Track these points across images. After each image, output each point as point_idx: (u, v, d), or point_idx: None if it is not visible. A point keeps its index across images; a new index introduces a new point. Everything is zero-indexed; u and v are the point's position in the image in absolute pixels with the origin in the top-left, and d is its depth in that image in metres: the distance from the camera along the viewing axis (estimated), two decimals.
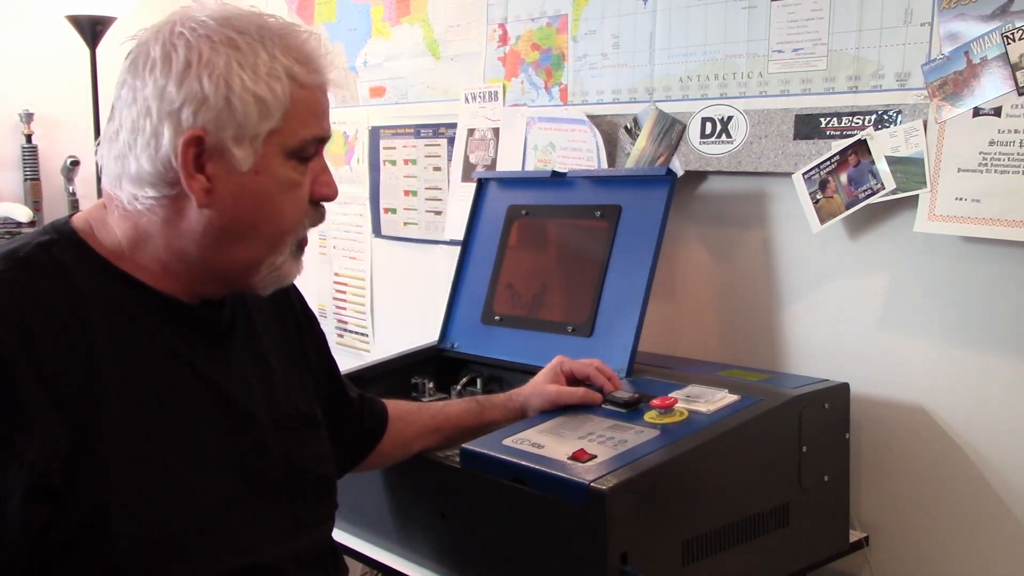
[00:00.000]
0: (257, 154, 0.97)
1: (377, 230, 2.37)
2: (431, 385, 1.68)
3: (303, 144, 1.00)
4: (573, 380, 1.40)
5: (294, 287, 1.26)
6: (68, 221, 1.03)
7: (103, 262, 0.99)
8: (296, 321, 1.23)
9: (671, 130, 1.67)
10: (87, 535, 0.90)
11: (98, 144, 1.02)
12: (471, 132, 2.05)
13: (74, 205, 2.83)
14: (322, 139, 1.04)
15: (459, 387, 1.67)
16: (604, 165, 1.76)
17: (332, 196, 1.06)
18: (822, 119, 1.48)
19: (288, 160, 1.00)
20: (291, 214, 1.02)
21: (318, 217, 1.07)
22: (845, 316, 1.51)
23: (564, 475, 1.12)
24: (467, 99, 2.05)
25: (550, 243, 1.71)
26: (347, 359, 2.19)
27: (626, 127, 1.74)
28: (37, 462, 0.87)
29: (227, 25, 0.96)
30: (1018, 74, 1.25)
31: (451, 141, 2.11)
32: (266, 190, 0.99)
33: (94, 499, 0.90)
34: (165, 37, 0.96)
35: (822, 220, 1.47)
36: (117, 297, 0.98)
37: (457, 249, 1.81)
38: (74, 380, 0.91)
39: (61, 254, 0.98)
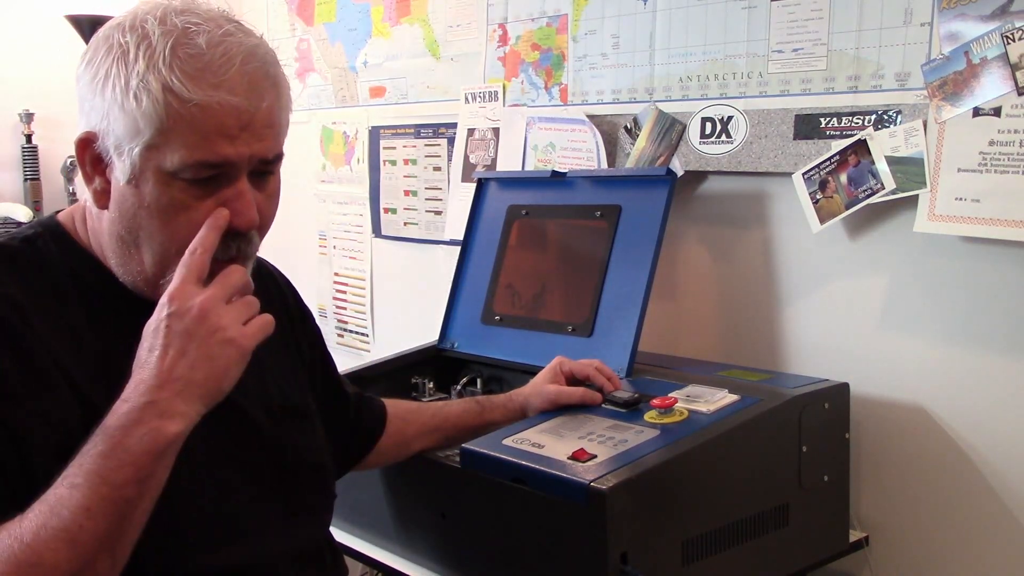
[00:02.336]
0: (134, 168, 0.92)
1: (377, 230, 2.36)
2: (431, 385, 1.68)
3: (183, 167, 0.91)
4: (573, 380, 1.40)
5: (287, 282, 1.26)
6: (54, 216, 1.05)
7: (84, 255, 1.02)
8: (288, 315, 1.23)
9: (671, 130, 1.67)
10: None
11: None
12: (471, 132, 2.05)
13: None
14: (213, 164, 0.92)
15: (459, 387, 1.67)
16: (604, 165, 1.76)
17: (241, 226, 0.95)
18: (822, 119, 1.48)
19: (174, 180, 0.92)
20: (174, 236, 0.94)
21: (227, 249, 0.96)
22: (845, 316, 1.51)
23: (564, 475, 1.12)
24: (467, 99, 2.05)
25: (550, 243, 1.71)
26: (347, 359, 2.19)
27: (626, 127, 1.74)
28: (62, 420, 0.90)
29: (139, 27, 0.92)
30: (1018, 74, 1.25)
31: (451, 141, 2.11)
32: (142, 205, 0.94)
33: None
34: (104, 32, 0.95)
35: (822, 220, 1.47)
36: (96, 289, 1.00)
37: (457, 249, 1.81)
38: (69, 362, 0.93)
39: (44, 247, 1.00)
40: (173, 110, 0.89)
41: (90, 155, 0.95)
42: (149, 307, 1.01)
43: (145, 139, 0.91)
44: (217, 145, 0.91)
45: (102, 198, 0.96)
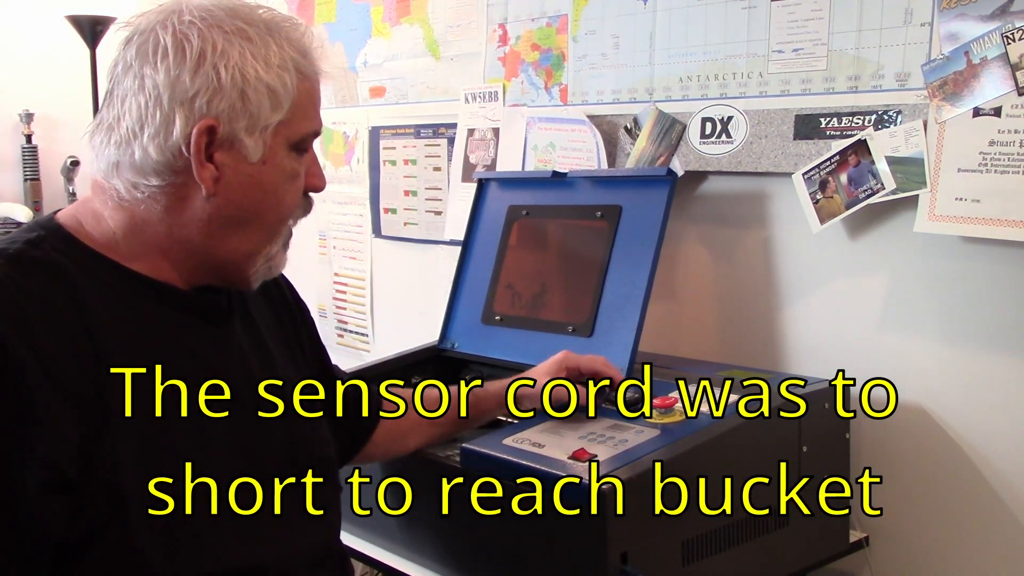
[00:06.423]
0: (266, 145, 1.00)
1: (377, 230, 2.37)
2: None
3: (303, 137, 1.03)
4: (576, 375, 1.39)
5: (283, 276, 1.26)
6: (53, 218, 1.03)
7: (95, 255, 1.00)
8: (288, 309, 1.24)
9: (671, 130, 1.67)
10: (107, 524, 0.91)
11: (89, 132, 1.02)
12: (471, 132, 2.05)
13: None
14: (318, 132, 1.08)
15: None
16: (604, 165, 1.76)
17: (322, 187, 1.10)
18: (822, 119, 1.48)
19: (290, 152, 1.03)
20: (290, 204, 1.06)
21: (307, 207, 1.10)
22: (845, 316, 1.51)
23: (564, 475, 1.12)
24: (467, 99, 2.05)
25: (550, 243, 1.71)
26: (347, 359, 2.19)
27: (626, 127, 1.74)
28: (48, 455, 0.88)
29: (235, 16, 0.98)
30: (1018, 74, 1.25)
31: (451, 141, 2.11)
32: (272, 180, 1.02)
33: (110, 483, 0.91)
34: (175, 25, 0.96)
35: (822, 220, 1.47)
36: (113, 287, 0.99)
37: (457, 249, 1.81)
38: (78, 370, 0.92)
39: (52, 249, 0.98)
40: (301, 85, 1.01)
41: (206, 142, 0.97)
42: (184, 301, 1.03)
43: (281, 115, 0.99)
44: (319, 114, 1.06)
45: (215, 184, 0.99)
